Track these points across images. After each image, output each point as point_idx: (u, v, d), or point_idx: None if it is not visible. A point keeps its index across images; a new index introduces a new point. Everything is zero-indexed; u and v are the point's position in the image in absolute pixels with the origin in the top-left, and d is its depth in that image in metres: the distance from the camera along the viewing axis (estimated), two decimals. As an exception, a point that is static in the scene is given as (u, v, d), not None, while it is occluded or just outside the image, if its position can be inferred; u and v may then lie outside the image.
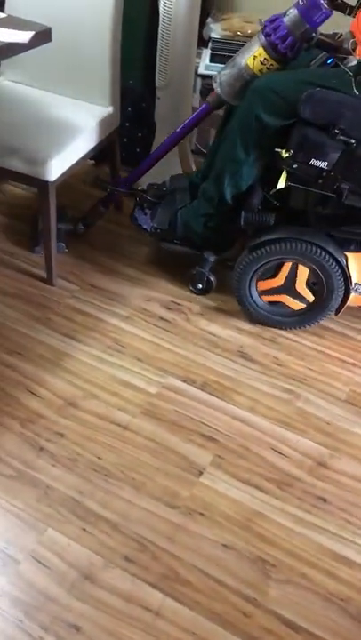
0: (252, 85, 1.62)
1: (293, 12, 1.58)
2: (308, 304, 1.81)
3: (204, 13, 2.41)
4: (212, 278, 1.91)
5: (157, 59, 2.17)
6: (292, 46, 1.60)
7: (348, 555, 1.35)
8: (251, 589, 1.27)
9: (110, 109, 1.97)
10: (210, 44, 2.44)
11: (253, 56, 1.64)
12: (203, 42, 2.45)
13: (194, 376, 1.71)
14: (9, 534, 1.30)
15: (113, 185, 2.04)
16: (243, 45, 2.35)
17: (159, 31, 2.12)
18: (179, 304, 1.94)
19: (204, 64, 2.44)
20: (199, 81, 2.47)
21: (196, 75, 2.41)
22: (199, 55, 2.43)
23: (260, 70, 1.64)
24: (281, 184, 1.62)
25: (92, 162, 2.52)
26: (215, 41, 2.41)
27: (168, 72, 2.16)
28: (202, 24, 2.36)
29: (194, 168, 2.46)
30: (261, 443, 1.56)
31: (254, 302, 1.85)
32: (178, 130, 1.92)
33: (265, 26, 1.62)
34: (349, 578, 1.31)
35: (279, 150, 1.59)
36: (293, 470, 1.50)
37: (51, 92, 2.01)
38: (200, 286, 1.94)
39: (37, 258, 2.01)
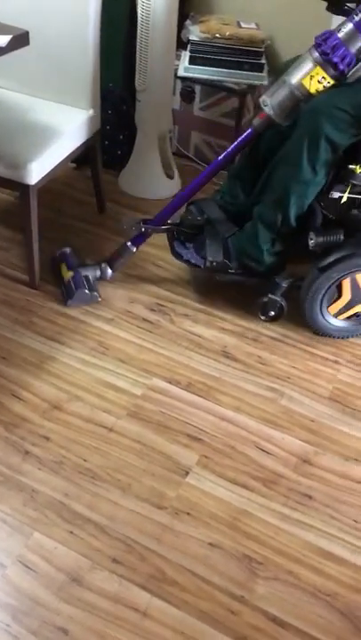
0: (311, 106, 1.59)
1: (348, 27, 1.53)
2: None
3: (183, 16, 2.43)
4: (283, 304, 1.85)
5: (137, 62, 2.18)
6: (349, 63, 1.56)
7: (335, 551, 1.36)
8: (238, 587, 1.27)
9: (91, 112, 1.97)
10: (189, 47, 2.45)
11: (310, 76, 1.57)
12: (181, 44, 2.46)
13: (178, 377, 1.72)
14: (-5, 539, 1.30)
15: (145, 223, 1.88)
16: (222, 47, 2.40)
17: (137, 34, 2.13)
18: (162, 305, 1.94)
19: (184, 66, 2.45)
20: (179, 83, 2.48)
21: (176, 77, 2.42)
22: (178, 57, 2.44)
23: (317, 89, 1.59)
24: (344, 198, 1.65)
25: (74, 165, 2.52)
26: (194, 43, 2.42)
27: (147, 75, 2.17)
28: (180, 26, 2.37)
29: (175, 170, 2.47)
30: (247, 441, 1.57)
31: (330, 323, 1.84)
32: (220, 158, 1.78)
33: (319, 44, 1.55)
34: (336, 574, 1.32)
35: (353, 167, 1.62)
36: (279, 468, 1.51)
37: (31, 95, 2.01)
38: (272, 313, 1.88)
39: (19, 261, 2.01)
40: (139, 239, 1.91)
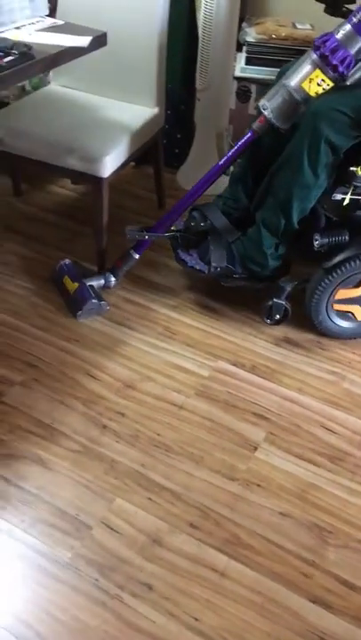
0: (312, 109, 1.59)
1: (347, 28, 1.54)
2: None
3: (239, 18, 2.51)
4: (288, 307, 1.84)
5: (198, 62, 2.27)
6: (348, 65, 1.56)
7: None
8: (309, 553, 1.34)
9: (156, 110, 2.07)
10: (245, 48, 2.53)
11: (309, 79, 1.57)
12: (238, 46, 2.55)
13: (243, 360, 1.80)
14: (80, 503, 1.39)
15: (148, 231, 1.89)
16: (278, 48, 2.47)
17: (200, 36, 2.22)
18: (223, 293, 2.02)
19: (240, 67, 2.53)
20: (235, 83, 2.56)
21: (233, 77, 2.51)
22: (234, 59, 2.53)
23: (316, 92, 1.59)
24: (347, 200, 1.67)
25: (133, 164, 2.62)
26: (250, 44, 2.50)
27: (208, 75, 2.26)
28: (237, 29, 2.45)
29: (231, 167, 2.54)
30: (311, 421, 1.64)
31: (335, 324, 1.84)
32: (220, 162, 1.80)
33: (318, 47, 1.55)
34: None
35: (355, 169, 1.63)
36: (344, 446, 1.58)
37: (98, 94, 2.12)
38: (278, 317, 1.86)
39: (85, 251, 2.10)
40: (142, 247, 1.91)
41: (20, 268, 2.06)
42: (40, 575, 1.26)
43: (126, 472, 1.47)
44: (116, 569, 1.28)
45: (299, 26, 2.53)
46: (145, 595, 1.24)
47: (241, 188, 1.93)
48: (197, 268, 1.88)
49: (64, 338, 1.81)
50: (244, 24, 2.59)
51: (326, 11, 1.82)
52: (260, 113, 1.68)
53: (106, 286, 1.93)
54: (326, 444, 1.58)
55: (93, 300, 1.84)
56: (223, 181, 1.99)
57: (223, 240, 1.86)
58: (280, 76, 1.76)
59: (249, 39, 2.51)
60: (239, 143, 1.76)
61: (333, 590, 1.28)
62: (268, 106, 1.65)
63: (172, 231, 1.91)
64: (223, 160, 1.79)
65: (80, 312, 1.84)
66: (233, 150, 1.77)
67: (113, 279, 1.93)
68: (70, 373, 1.70)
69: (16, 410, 1.59)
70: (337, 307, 1.83)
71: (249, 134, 1.73)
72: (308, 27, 2.54)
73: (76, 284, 1.88)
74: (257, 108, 1.71)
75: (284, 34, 2.47)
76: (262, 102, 1.67)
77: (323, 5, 1.82)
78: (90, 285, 1.88)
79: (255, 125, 1.70)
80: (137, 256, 1.92)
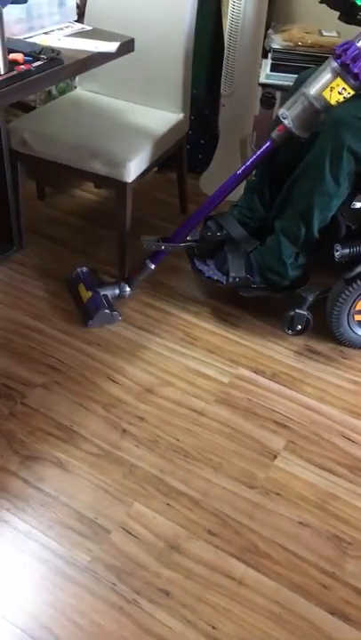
0: (332, 117, 1.59)
1: None
2: None
3: (265, 25, 2.51)
4: (310, 317, 1.82)
5: (223, 68, 2.27)
6: None
7: None
8: (328, 564, 1.33)
9: (181, 116, 2.08)
10: (270, 54, 2.53)
11: (330, 87, 1.56)
12: (263, 52, 2.54)
13: (263, 367, 1.79)
14: (99, 506, 1.39)
15: (165, 241, 1.88)
16: (303, 55, 2.47)
17: (225, 41, 2.23)
18: (245, 301, 2.01)
19: (265, 73, 2.53)
20: (259, 89, 2.56)
21: (258, 84, 2.51)
22: (260, 65, 2.53)
23: (337, 100, 1.57)
24: None
25: (155, 169, 2.63)
26: (276, 51, 2.50)
27: (233, 81, 2.27)
28: (263, 35, 2.45)
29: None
30: (332, 430, 1.62)
31: (357, 334, 1.83)
32: (238, 172, 1.78)
33: (339, 55, 1.54)
34: None
35: None
36: (364, 456, 1.56)
37: (124, 100, 2.13)
38: (300, 327, 1.84)
39: (108, 255, 2.12)
40: (158, 257, 1.89)
41: (42, 270, 2.08)
42: (58, 577, 1.27)
43: (145, 477, 1.47)
44: (134, 574, 1.28)
45: (325, 33, 2.52)
46: (162, 601, 1.24)
47: (257, 198, 1.92)
48: (215, 278, 1.86)
49: (85, 341, 1.82)
50: (270, 31, 2.59)
51: (340, 18, 1.81)
52: (279, 122, 1.67)
53: (121, 296, 1.93)
54: (347, 453, 1.56)
55: (105, 310, 1.84)
56: (243, 188, 1.99)
57: (241, 250, 1.85)
58: (298, 83, 1.76)
59: (275, 46, 2.51)
60: (258, 153, 1.74)
61: (352, 602, 1.27)
62: (288, 115, 1.64)
63: (189, 241, 1.90)
64: (241, 169, 1.78)
65: (91, 321, 1.84)
66: (251, 160, 1.75)
67: (128, 289, 1.93)
68: (91, 377, 1.71)
69: (37, 412, 1.60)
70: (359, 317, 1.81)
71: (268, 143, 1.71)
72: (334, 34, 2.53)
73: (90, 293, 1.88)
74: (276, 117, 1.70)
75: (310, 41, 2.46)
76: (282, 111, 1.65)
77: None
78: (104, 295, 1.88)
79: (274, 134, 1.69)
80: (153, 266, 1.90)
